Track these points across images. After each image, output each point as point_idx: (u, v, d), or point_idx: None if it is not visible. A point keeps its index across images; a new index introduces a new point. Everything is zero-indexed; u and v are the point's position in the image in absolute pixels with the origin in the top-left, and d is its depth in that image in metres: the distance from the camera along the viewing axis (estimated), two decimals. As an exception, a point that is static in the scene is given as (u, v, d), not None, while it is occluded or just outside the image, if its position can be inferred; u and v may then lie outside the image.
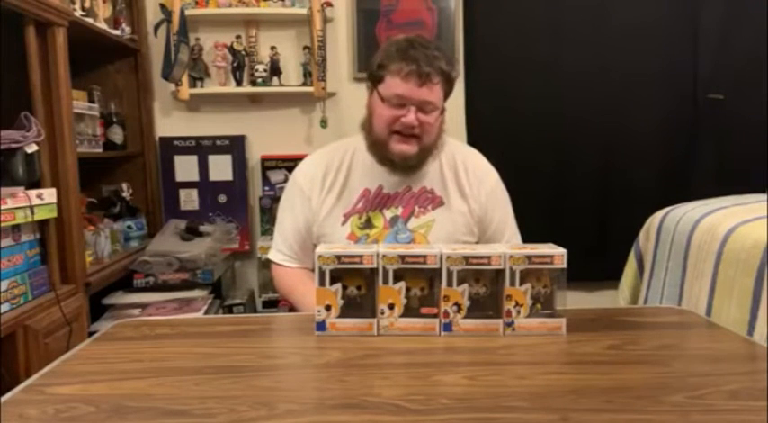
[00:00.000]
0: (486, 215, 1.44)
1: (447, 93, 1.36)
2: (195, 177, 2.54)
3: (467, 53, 2.56)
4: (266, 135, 2.59)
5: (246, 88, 2.51)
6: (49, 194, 1.58)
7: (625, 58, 2.55)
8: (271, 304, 2.43)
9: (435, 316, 1.00)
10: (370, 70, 1.39)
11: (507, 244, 1.39)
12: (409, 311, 1.01)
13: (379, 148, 1.37)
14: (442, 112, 1.38)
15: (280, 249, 1.46)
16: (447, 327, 1.00)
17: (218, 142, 2.54)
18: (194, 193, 2.55)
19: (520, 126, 2.57)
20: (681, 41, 2.56)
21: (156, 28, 2.40)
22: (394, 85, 1.30)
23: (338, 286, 1.01)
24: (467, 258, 0.99)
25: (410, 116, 1.29)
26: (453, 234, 1.39)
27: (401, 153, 1.33)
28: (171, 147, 2.53)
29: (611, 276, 2.18)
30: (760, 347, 0.97)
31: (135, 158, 2.46)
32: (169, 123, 2.58)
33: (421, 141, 1.33)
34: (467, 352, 0.94)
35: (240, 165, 2.55)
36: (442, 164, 1.43)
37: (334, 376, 0.85)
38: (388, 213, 1.40)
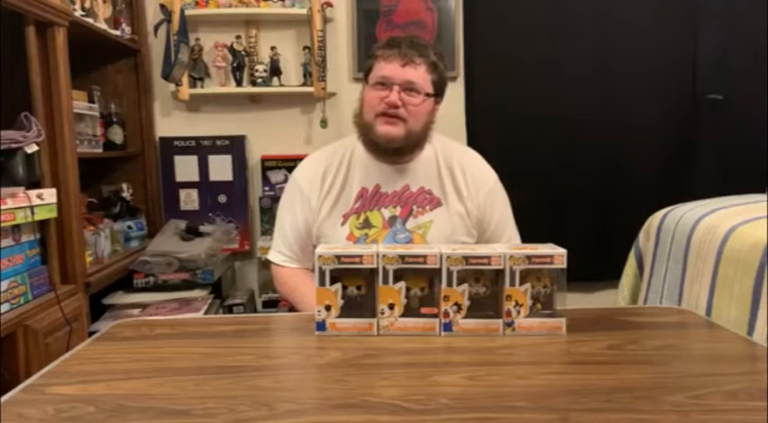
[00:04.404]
0: (484, 216, 1.44)
1: (436, 82, 1.37)
2: (195, 177, 2.54)
3: (467, 53, 2.56)
4: (266, 135, 2.59)
5: (246, 88, 2.51)
6: (49, 194, 1.58)
7: (625, 57, 2.55)
8: (271, 304, 2.44)
9: (435, 316, 1.00)
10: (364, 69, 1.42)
11: (507, 244, 1.39)
12: (409, 311, 1.01)
13: (367, 134, 1.37)
14: (436, 102, 1.39)
15: (280, 250, 1.46)
16: (447, 327, 1.00)
17: (218, 142, 2.54)
18: (194, 193, 2.55)
19: (520, 126, 2.57)
20: (681, 41, 2.56)
21: (156, 28, 2.40)
22: (379, 68, 1.34)
23: (338, 286, 1.01)
24: (467, 258, 0.99)
25: (393, 95, 1.31)
26: (451, 235, 1.39)
27: (386, 134, 1.33)
28: (171, 147, 2.53)
29: (611, 276, 2.18)
30: (760, 347, 0.97)
31: (135, 158, 2.46)
32: (169, 123, 2.58)
33: (407, 124, 1.33)
34: (467, 352, 0.94)
35: (240, 165, 2.55)
36: (439, 165, 1.43)
37: (334, 376, 0.85)
38: (387, 213, 1.40)
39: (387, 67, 1.33)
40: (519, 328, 1.00)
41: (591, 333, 1.02)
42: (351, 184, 1.41)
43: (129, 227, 2.27)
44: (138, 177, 2.47)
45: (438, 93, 1.38)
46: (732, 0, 2.54)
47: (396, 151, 1.37)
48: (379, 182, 1.41)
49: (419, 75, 1.33)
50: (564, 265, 0.99)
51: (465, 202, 1.42)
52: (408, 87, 1.32)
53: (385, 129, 1.33)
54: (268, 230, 2.49)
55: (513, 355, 0.94)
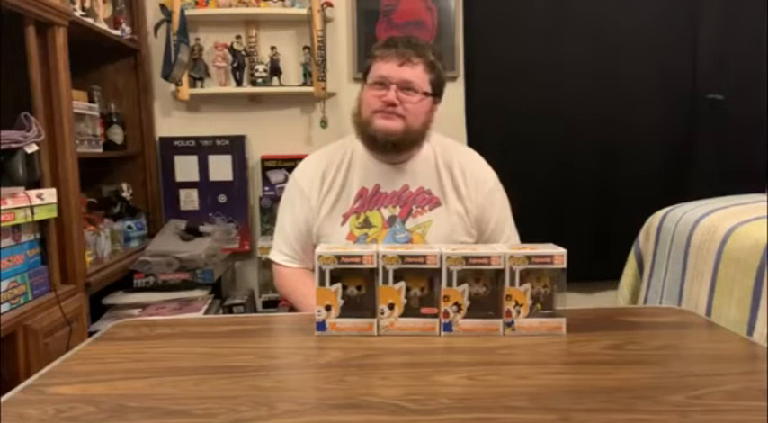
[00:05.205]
0: (483, 216, 1.44)
1: (434, 82, 1.37)
2: (195, 177, 2.54)
3: (467, 53, 2.56)
4: (266, 135, 2.59)
5: (246, 88, 2.50)
6: (49, 194, 1.58)
7: (625, 57, 2.55)
8: (271, 304, 2.43)
9: (435, 316, 1.00)
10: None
11: (506, 244, 1.39)
12: (409, 311, 1.01)
13: (365, 130, 1.37)
14: (434, 102, 1.40)
15: (280, 250, 1.46)
16: (447, 327, 1.00)
17: (218, 142, 2.54)
18: (194, 193, 2.54)
19: (520, 126, 2.57)
20: (680, 42, 2.56)
21: (156, 28, 2.40)
22: (377, 68, 1.35)
23: (338, 286, 1.01)
24: (467, 258, 0.99)
25: (390, 94, 1.31)
26: (451, 235, 1.39)
27: (383, 128, 1.33)
28: (171, 147, 2.53)
29: (611, 276, 2.18)
30: (760, 347, 0.97)
31: (135, 158, 2.46)
32: (169, 123, 2.58)
33: (405, 120, 1.33)
34: (467, 352, 0.94)
35: (240, 165, 2.55)
36: (438, 165, 1.43)
37: (334, 376, 0.85)
38: (386, 212, 1.40)
39: (384, 67, 1.33)
40: (519, 328, 1.00)
41: (591, 333, 1.02)
42: (350, 184, 1.41)
43: (129, 227, 2.27)
44: (138, 177, 2.47)
45: (436, 92, 1.39)
46: (732, 0, 2.54)
47: (394, 147, 1.36)
48: (379, 182, 1.41)
49: (416, 74, 1.33)
50: (564, 265, 1.00)
51: (464, 201, 1.42)
52: (406, 87, 1.32)
53: (382, 122, 1.33)
54: (268, 230, 2.49)
55: (513, 355, 0.94)
